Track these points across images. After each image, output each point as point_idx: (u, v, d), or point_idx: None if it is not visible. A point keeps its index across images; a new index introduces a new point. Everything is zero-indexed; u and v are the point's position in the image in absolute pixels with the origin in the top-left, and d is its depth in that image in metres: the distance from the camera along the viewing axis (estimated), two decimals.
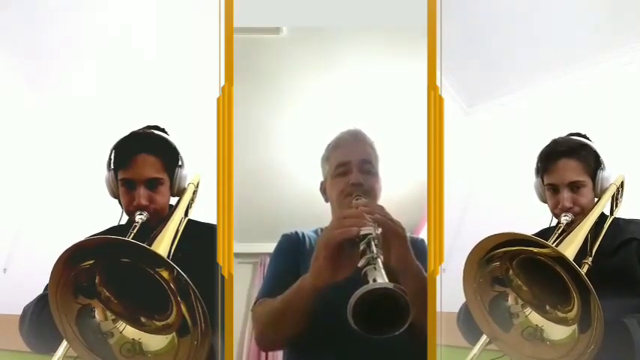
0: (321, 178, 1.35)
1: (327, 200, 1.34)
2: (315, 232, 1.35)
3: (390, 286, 0.89)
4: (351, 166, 1.27)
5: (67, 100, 2.08)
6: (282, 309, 1.13)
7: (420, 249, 1.11)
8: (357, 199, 1.20)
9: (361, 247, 0.99)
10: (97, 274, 1.01)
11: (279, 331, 1.16)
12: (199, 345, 0.99)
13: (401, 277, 1.04)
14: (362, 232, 1.02)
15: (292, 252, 1.29)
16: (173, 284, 0.99)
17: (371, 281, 0.91)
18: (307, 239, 1.31)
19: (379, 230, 1.04)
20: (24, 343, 1.22)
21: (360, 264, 0.96)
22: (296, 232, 1.33)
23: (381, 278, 0.91)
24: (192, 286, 0.96)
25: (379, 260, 0.96)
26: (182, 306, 0.99)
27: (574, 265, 1.04)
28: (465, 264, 1.11)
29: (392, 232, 1.06)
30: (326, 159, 1.34)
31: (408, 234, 1.11)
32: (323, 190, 1.35)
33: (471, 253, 1.11)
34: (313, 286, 1.07)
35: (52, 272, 0.96)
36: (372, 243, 0.99)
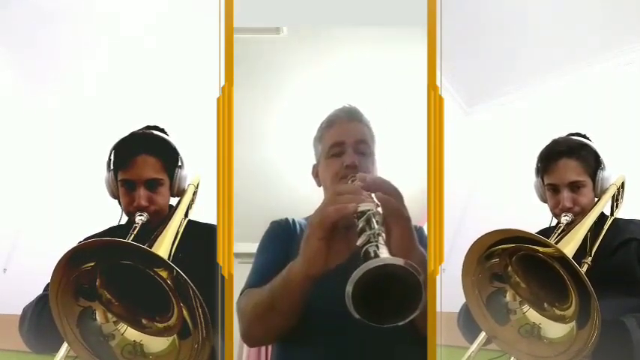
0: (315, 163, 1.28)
1: (319, 184, 1.26)
2: (307, 219, 1.26)
3: (401, 262, 0.76)
4: (345, 147, 1.20)
5: (67, 100, 2.07)
6: (270, 302, 1.03)
7: (419, 236, 1.00)
8: (352, 182, 1.07)
9: (360, 225, 0.87)
10: (98, 277, 1.01)
11: (268, 325, 1.06)
12: (200, 348, 0.98)
13: None
14: (360, 209, 0.89)
15: (283, 239, 1.21)
16: (174, 286, 0.99)
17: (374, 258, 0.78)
18: (298, 225, 1.25)
19: (379, 209, 0.91)
20: (24, 344, 1.22)
21: (359, 242, 0.84)
22: (286, 219, 1.26)
23: (385, 254, 0.79)
24: (192, 288, 0.95)
25: (381, 238, 0.84)
26: (183, 308, 0.99)
27: (573, 262, 1.04)
28: (465, 258, 1.10)
29: (393, 212, 0.93)
30: (319, 139, 1.26)
31: None
32: (315, 173, 1.27)
33: (471, 248, 1.09)
34: (305, 275, 0.95)
35: (52, 275, 0.96)
36: (373, 219, 0.87)
